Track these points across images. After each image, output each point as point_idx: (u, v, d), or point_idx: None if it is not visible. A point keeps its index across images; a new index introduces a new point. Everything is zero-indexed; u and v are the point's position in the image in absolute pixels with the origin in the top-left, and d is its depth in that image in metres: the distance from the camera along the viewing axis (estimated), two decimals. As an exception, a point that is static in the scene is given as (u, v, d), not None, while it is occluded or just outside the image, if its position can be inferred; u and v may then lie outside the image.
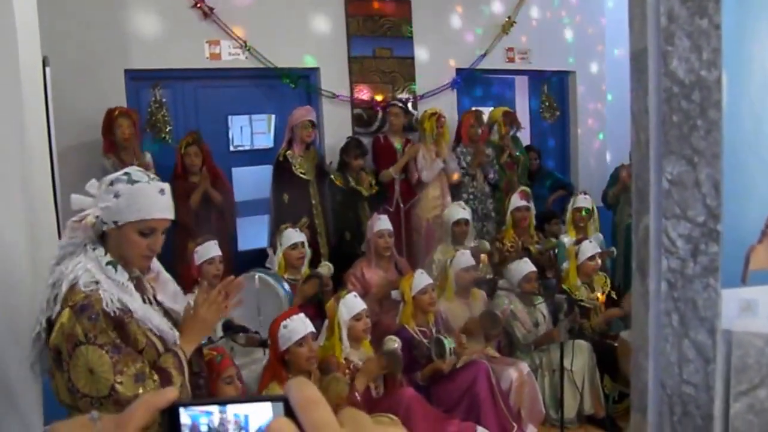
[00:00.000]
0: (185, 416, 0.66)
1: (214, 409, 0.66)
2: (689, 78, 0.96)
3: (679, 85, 0.97)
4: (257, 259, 5.09)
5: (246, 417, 0.65)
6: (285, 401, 0.63)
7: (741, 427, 0.95)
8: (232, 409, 0.66)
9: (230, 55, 5.54)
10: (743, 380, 0.93)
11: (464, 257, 4.65)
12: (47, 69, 3.70)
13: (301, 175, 5.42)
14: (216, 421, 0.66)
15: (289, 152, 5.42)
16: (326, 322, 3.81)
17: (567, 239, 5.43)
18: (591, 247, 4.87)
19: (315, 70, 5.97)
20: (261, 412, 0.65)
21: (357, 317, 3.73)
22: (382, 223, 4.99)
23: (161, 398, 0.66)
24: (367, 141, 5.92)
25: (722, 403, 0.95)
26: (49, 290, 1.90)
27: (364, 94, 6.17)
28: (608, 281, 5.02)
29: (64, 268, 1.92)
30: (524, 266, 4.68)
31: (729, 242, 0.93)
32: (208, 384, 2.86)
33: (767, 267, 0.91)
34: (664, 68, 0.97)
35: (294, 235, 4.71)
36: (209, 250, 4.35)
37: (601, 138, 7.75)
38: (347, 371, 3.57)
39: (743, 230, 0.93)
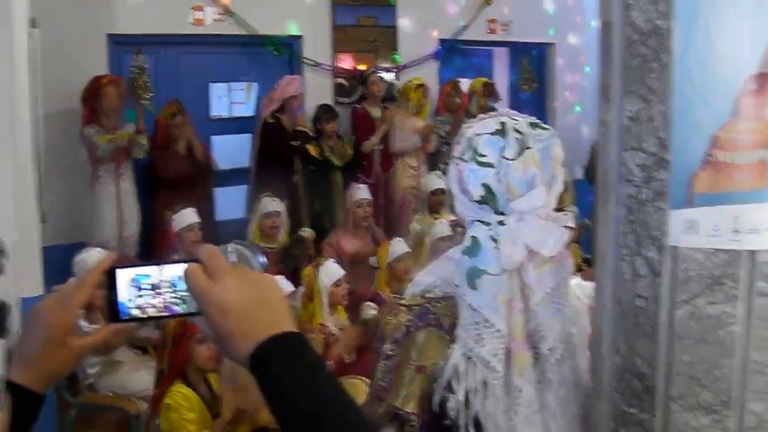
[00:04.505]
0: (125, 276, 0.83)
1: (154, 271, 0.83)
2: (647, 27, 1.10)
3: (638, 33, 1.11)
4: (235, 229, 5.14)
5: (178, 278, 0.82)
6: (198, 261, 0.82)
7: (683, 333, 1.10)
8: (167, 273, 0.83)
9: (214, 21, 5.56)
10: (685, 290, 1.08)
11: (441, 226, 4.69)
12: (36, 31, 3.70)
13: (290, 142, 5.43)
14: (156, 281, 0.83)
15: (281, 116, 5.42)
16: (301, 289, 3.82)
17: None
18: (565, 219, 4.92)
19: (298, 38, 6.02)
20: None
21: (337, 283, 3.80)
22: (361, 192, 5.08)
23: (105, 261, 0.85)
24: (347, 110, 5.99)
25: (667, 312, 1.10)
26: None
27: (346, 63, 6.21)
28: (581, 254, 5.10)
29: None
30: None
31: (676, 170, 1.08)
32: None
33: (708, 191, 1.06)
34: (627, 19, 1.11)
35: (270, 204, 4.72)
36: (186, 217, 4.36)
37: (577, 110, 7.85)
38: (322, 336, 3.63)
39: (688, 159, 1.07)
